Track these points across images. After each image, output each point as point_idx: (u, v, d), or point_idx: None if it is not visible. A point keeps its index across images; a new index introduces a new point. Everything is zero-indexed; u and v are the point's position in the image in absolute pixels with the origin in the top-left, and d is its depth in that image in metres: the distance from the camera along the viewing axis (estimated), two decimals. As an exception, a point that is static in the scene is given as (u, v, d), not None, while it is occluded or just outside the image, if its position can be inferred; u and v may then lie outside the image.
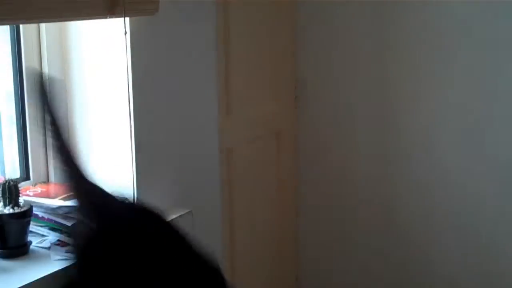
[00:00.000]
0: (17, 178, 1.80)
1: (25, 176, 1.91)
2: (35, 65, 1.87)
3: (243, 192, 2.76)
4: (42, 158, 1.92)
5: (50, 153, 1.92)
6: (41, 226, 1.79)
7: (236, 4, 2.62)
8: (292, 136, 3.06)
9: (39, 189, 1.86)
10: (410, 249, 2.91)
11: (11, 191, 1.68)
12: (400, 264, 2.93)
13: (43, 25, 1.86)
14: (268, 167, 2.94)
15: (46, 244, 1.75)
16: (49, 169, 1.94)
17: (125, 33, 1.77)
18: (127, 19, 1.79)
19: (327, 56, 3.00)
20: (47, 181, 1.94)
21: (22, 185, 1.86)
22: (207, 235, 2.19)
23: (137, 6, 1.77)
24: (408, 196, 2.91)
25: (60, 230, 1.76)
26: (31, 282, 1.58)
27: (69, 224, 1.74)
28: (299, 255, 3.17)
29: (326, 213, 3.11)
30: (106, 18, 1.72)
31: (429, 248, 2.86)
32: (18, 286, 1.56)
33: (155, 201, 1.94)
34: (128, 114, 1.83)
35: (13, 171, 1.90)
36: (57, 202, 1.76)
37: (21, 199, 1.71)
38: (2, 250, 1.68)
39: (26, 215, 1.70)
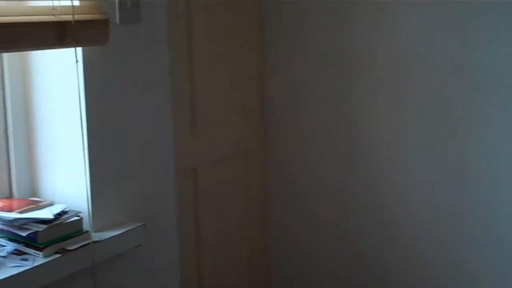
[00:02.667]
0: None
1: (-11, 192, 2.11)
2: (-2, 91, 2.08)
3: (210, 211, 2.92)
4: (5, 176, 2.11)
5: (14, 171, 2.12)
6: (1, 237, 1.98)
7: (199, 22, 2.77)
8: (260, 156, 3.20)
9: (0, 203, 2.04)
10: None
11: (-31, 205, 1.87)
12: None
13: (5, 54, 2.06)
14: (237, 187, 3.08)
15: (3, 253, 1.93)
16: (12, 185, 2.13)
17: (76, 61, 1.96)
18: (79, 48, 1.99)
19: (296, 77, 3.12)
20: (10, 196, 2.13)
21: (-15, 200, 2.06)
22: (164, 251, 2.38)
23: (86, 38, 1.96)
24: (379, 217, 3.00)
25: (17, 241, 1.95)
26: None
27: (24, 234, 1.92)
28: (271, 279, 3.27)
29: (296, 235, 3.20)
30: (56, 48, 1.92)
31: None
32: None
33: (109, 215, 2.14)
34: (81, 134, 2.01)
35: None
36: (13, 214, 1.95)
37: (-21, 212, 1.90)
38: (-38, 259, 1.86)
39: (-17, 227, 1.89)
